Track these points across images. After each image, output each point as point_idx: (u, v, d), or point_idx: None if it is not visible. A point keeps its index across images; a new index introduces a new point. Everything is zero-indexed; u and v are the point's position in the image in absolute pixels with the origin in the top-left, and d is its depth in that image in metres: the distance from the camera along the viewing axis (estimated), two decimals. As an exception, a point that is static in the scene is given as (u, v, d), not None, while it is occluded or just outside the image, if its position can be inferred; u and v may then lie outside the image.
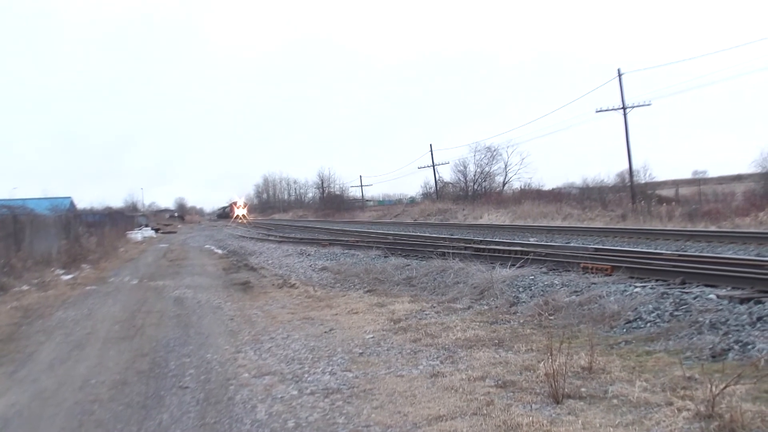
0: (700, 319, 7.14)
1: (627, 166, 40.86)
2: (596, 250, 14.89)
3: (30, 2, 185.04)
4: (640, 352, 6.53)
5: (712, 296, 7.92)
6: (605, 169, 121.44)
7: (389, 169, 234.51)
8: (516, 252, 14.46)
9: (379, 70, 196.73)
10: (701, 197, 38.58)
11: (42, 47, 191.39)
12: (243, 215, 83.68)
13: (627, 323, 7.77)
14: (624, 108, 39.42)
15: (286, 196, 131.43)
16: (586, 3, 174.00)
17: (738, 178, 47.57)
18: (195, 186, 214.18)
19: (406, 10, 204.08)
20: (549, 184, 60.47)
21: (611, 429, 4.44)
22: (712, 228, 23.87)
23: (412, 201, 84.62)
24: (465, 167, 65.29)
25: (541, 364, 5.85)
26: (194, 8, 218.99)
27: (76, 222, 28.79)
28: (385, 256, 17.54)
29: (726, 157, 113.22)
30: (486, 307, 9.83)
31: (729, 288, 8.44)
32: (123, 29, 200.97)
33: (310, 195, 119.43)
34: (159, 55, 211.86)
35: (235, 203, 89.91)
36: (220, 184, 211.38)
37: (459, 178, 67.16)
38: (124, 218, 56.06)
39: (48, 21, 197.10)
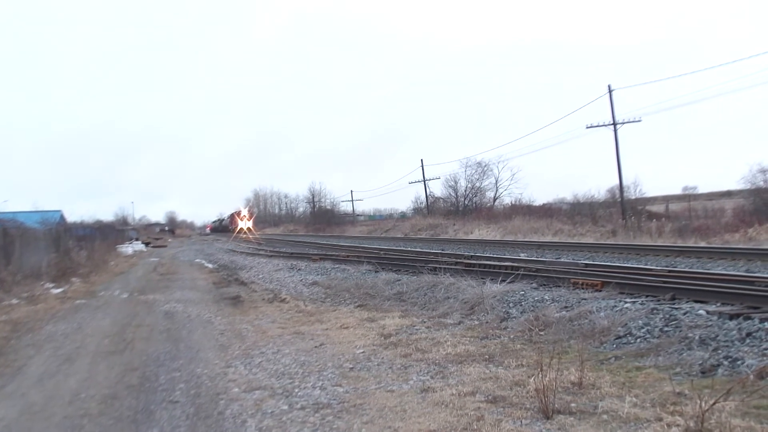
0: (690, 334, 7.18)
1: (617, 181, 41.19)
2: (586, 265, 14.94)
3: (28, 16, 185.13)
4: (630, 368, 6.55)
5: (701, 312, 7.95)
6: (596, 185, 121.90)
7: (380, 184, 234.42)
8: (506, 267, 14.49)
9: (371, 85, 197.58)
10: (691, 213, 38.90)
11: (36, 56, 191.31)
12: (248, 228, 66.44)
13: (617, 339, 7.79)
14: (614, 124, 39.75)
15: (276, 211, 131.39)
16: (577, 19, 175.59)
17: (728, 194, 47.92)
18: (185, 200, 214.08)
19: (405, 20, 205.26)
20: (540, 199, 60.62)
21: (601, 444, 4.45)
22: (702, 244, 24.03)
23: (403, 216, 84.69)
24: (456, 182, 65.65)
25: (532, 380, 5.85)
26: (190, 26, 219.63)
27: (67, 235, 28.69)
28: (376, 271, 17.52)
29: (716, 173, 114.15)
30: (476, 323, 9.84)
31: (719, 304, 8.50)
32: (120, 46, 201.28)
33: (300, 209, 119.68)
34: (156, 69, 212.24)
35: (237, 213, 73.21)
36: (210, 198, 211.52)
37: (450, 194, 67.47)
38: (114, 232, 55.94)
39: (46, 29, 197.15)
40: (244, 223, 67.02)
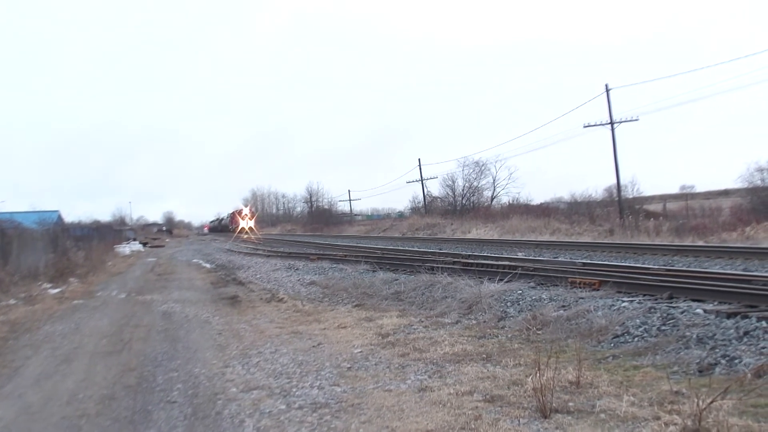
0: (688, 333, 7.19)
1: (615, 180, 41.23)
2: (584, 264, 14.93)
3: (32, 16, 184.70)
4: (627, 367, 6.56)
5: (699, 311, 7.97)
6: (593, 184, 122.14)
7: (378, 183, 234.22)
8: (504, 267, 14.49)
9: (371, 85, 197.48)
10: (688, 212, 38.88)
11: (36, 56, 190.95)
12: (250, 228, 62.28)
13: (614, 338, 7.80)
14: (612, 123, 39.75)
15: (274, 211, 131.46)
16: (576, 18, 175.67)
17: (725, 193, 48.04)
18: (183, 200, 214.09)
19: (405, 20, 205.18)
20: (537, 198, 60.59)
21: (599, 443, 4.45)
22: (700, 243, 24.05)
23: (401, 215, 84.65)
24: (453, 182, 65.53)
25: (529, 379, 5.86)
26: (190, 26, 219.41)
27: (64, 236, 28.68)
28: (374, 271, 17.52)
29: (713, 172, 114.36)
30: (474, 322, 9.84)
31: (716, 303, 8.50)
32: (120, 46, 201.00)
33: (298, 209, 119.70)
34: (156, 69, 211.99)
35: (239, 212, 68.16)
36: (208, 198, 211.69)
37: (447, 193, 67.34)
38: (112, 232, 55.95)
39: (46, 29, 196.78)
40: (246, 223, 63.03)
